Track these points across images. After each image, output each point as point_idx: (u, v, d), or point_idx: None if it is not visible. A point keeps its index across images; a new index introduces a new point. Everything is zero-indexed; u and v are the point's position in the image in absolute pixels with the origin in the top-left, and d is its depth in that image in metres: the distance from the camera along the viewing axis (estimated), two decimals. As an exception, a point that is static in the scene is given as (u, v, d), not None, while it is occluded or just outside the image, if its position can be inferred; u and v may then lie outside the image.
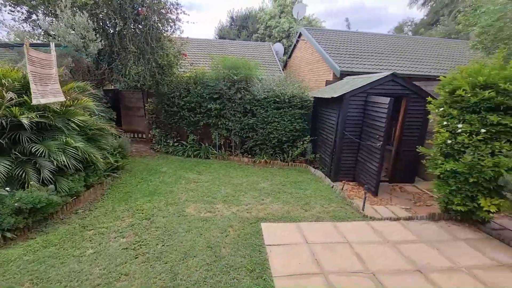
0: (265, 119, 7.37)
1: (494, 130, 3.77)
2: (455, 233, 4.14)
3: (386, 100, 5.17)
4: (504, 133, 3.73)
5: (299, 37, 13.15)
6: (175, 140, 8.26)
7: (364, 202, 4.76)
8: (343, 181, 6.09)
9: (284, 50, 18.45)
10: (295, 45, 13.93)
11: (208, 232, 3.88)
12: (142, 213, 4.38)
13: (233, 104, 7.49)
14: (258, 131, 7.52)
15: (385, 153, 5.54)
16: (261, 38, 23.23)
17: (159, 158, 7.57)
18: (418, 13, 49.26)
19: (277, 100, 7.26)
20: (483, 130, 3.83)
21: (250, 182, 5.98)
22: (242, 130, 7.69)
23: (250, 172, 6.70)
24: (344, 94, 5.77)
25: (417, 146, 5.42)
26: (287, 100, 7.25)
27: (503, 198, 3.82)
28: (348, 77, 8.08)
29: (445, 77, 4.38)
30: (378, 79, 5.78)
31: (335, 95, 5.87)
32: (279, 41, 21.34)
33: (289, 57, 14.96)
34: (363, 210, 4.66)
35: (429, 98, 4.84)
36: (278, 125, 7.30)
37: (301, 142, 7.40)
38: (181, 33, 7.11)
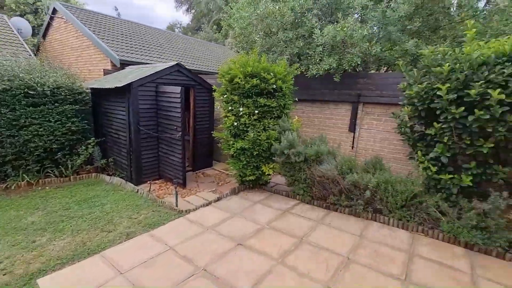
0: (14, 122, 4.94)
1: (263, 111, 4.76)
2: (252, 198, 4.94)
3: (178, 89, 5.07)
4: (269, 112, 4.82)
5: (53, 13, 10.07)
6: None
7: (176, 198, 4.48)
8: (148, 182, 5.45)
9: (33, 29, 13.59)
10: (49, 24, 10.57)
11: None
12: None
13: None
14: (3, 141, 4.92)
15: (185, 143, 5.53)
16: (-17, 6, 15.64)
17: None
18: (184, 18, 55.12)
19: (31, 93, 5.06)
20: (256, 111, 4.72)
21: (3, 222, 3.78)
22: (-33, 143, 4.69)
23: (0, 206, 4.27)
24: (131, 83, 5.02)
25: (211, 132, 5.91)
26: (49, 93, 5.23)
27: (274, 162, 5.00)
28: (132, 66, 7.26)
29: (215, 74, 4.93)
30: (165, 69, 5.55)
31: (120, 85, 4.96)
32: (22, 15, 15.44)
33: (43, 39, 11.20)
34: (177, 206, 4.39)
35: (214, 87, 5.32)
36: (41, 129, 5.17)
37: (84, 147, 5.76)
38: None
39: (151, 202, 4.60)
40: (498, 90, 2.84)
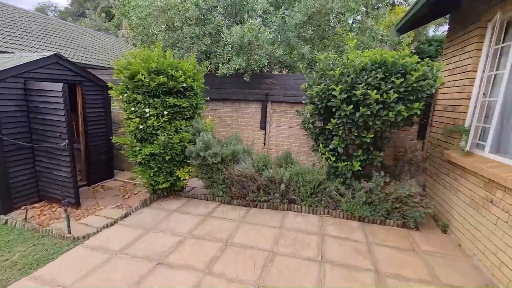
0: None
1: (173, 111, 4.38)
2: (167, 208, 4.50)
3: (59, 86, 4.08)
4: (180, 113, 4.47)
5: None
6: None
7: (68, 222, 3.59)
8: (23, 207, 4.17)
9: None
10: None
11: None
12: None
13: None
14: None
15: (74, 153, 4.51)
16: None
17: None
18: (61, 0, 45.31)
19: None
20: (166, 112, 4.30)
21: None
22: None
23: None
24: (-17, 78, 3.70)
25: (110, 138, 5.06)
26: None
27: (190, 165, 4.71)
28: (-20, 55, 5.37)
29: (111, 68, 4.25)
30: (37, 60, 4.36)
31: (-37, 80, 3.58)
32: None
33: None
34: (70, 233, 3.53)
35: (110, 84, 4.54)
36: None
37: None
38: None
39: (30, 233, 3.53)
40: (375, 91, 3.51)
